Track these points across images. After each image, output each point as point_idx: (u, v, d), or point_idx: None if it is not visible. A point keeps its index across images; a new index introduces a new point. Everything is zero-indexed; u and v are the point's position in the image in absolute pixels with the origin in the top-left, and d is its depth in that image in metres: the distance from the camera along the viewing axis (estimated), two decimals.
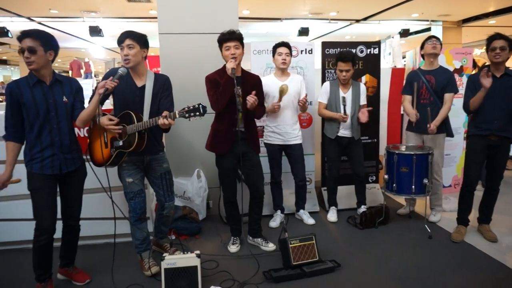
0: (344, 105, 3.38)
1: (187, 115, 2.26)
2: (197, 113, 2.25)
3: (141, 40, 2.47)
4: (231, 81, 2.64)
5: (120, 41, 2.44)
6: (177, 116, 2.28)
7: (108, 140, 2.46)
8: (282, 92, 3.26)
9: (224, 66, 2.75)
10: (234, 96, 2.68)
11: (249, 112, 2.80)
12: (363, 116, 3.36)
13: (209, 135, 2.95)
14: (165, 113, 2.28)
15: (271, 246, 3.03)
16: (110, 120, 2.34)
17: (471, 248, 2.99)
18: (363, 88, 3.52)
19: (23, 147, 2.31)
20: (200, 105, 2.25)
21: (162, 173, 2.69)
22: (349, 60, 3.34)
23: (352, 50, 3.95)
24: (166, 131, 2.60)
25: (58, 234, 2.44)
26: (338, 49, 3.96)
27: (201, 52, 3.58)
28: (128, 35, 2.43)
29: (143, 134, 2.42)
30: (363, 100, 3.51)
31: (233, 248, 3.02)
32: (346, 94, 3.45)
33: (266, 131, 3.48)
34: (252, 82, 2.85)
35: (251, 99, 2.67)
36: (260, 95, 2.95)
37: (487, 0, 8.87)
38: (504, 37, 2.87)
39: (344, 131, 3.49)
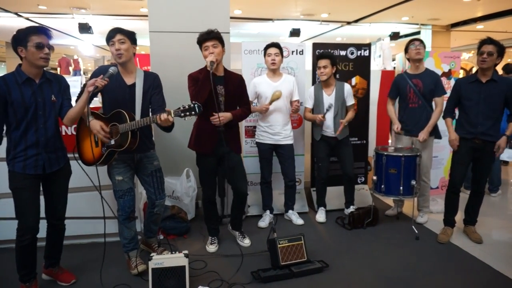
0: (327, 110, 3.40)
1: (182, 114, 2.25)
2: (193, 112, 2.25)
3: (131, 36, 2.47)
4: (209, 74, 2.61)
5: (110, 36, 2.42)
6: (173, 115, 2.26)
7: (99, 139, 2.42)
8: (274, 97, 3.27)
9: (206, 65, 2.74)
10: (216, 95, 2.65)
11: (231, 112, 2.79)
12: (339, 128, 3.38)
13: (192, 133, 2.93)
14: (167, 110, 2.27)
15: (246, 242, 3.09)
16: (103, 129, 2.33)
17: (456, 249, 3.04)
18: (348, 88, 3.50)
19: (6, 144, 2.25)
20: (196, 104, 2.25)
21: (153, 170, 2.67)
22: (326, 57, 3.36)
23: (343, 52, 3.98)
24: (168, 130, 2.55)
25: (43, 233, 2.40)
26: (329, 50, 3.98)
27: (192, 50, 3.53)
28: (118, 30, 2.43)
29: (135, 133, 2.40)
30: (350, 100, 3.50)
31: (211, 248, 3.00)
32: (330, 96, 3.45)
33: (258, 131, 3.48)
34: (235, 82, 2.84)
35: (215, 120, 2.67)
36: (244, 94, 2.95)
37: (475, 5, 9.03)
38: (494, 42, 2.86)
39: (327, 130, 3.49)
